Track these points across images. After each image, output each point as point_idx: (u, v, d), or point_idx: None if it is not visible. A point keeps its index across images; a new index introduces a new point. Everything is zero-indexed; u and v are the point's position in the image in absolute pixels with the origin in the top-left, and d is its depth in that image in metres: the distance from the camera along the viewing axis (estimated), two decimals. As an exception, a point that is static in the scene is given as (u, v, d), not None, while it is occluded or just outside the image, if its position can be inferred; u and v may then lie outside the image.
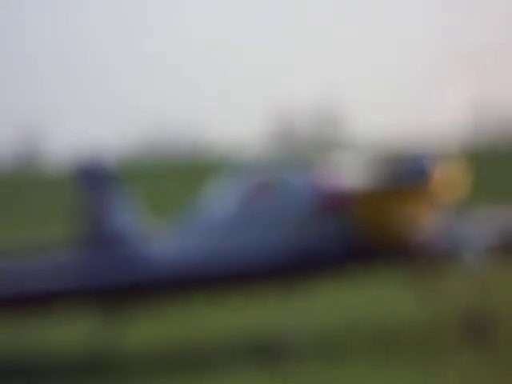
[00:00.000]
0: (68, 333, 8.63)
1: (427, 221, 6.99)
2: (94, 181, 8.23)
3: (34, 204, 28.23)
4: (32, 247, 8.70)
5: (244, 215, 7.42)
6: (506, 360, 5.72)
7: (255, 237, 7.17)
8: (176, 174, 31.54)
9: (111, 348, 7.36)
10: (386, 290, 8.86)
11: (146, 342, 8.46)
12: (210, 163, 28.07)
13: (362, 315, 8.97)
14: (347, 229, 6.99)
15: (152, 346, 8.28)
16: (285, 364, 6.27)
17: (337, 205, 7.09)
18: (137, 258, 7.62)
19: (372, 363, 6.19)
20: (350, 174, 7.35)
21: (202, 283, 7.13)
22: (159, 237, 8.04)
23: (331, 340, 7.89)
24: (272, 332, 6.95)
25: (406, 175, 6.87)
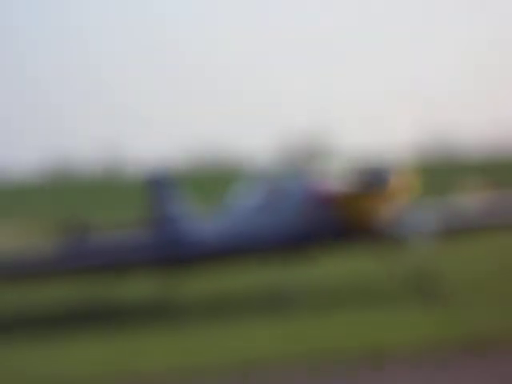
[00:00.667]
0: (142, 288, 11.73)
1: (387, 213, 9.86)
2: (159, 185, 11.49)
3: (117, 203, 32.20)
4: (119, 227, 12.09)
5: (262, 209, 10.36)
6: (444, 310, 8.45)
7: (270, 223, 10.13)
8: (214, 179, 35.97)
9: (172, 298, 10.49)
10: (360, 259, 11.55)
11: (195, 294, 11.41)
12: (235, 171, 32.07)
13: (344, 277, 11.84)
14: (333, 218, 9.96)
15: (199, 298, 11.49)
16: (290, 310, 9.16)
17: (325, 202, 10.02)
18: (190, 236, 10.72)
19: (351, 309, 9.04)
20: (335, 180, 10.28)
21: (234, 253, 10.09)
22: (205, 221, 11.23)
23: (322, 294, 10.84)
24: (282, 288, 9.68)
25: (372, 183, 9.71)
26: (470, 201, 11.70)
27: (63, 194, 40.31)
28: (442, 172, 31.52)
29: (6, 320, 11.06)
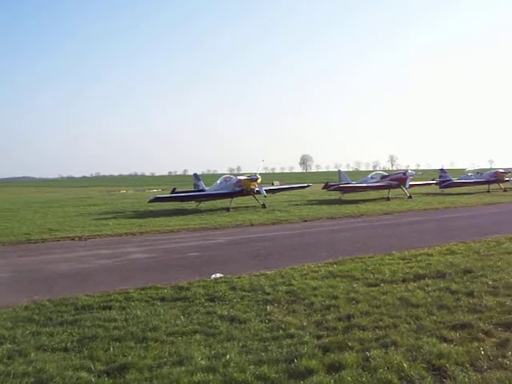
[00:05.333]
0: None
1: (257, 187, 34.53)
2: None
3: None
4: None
5: (222, 185, 35.87)
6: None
7: (223, 189, 35.49)
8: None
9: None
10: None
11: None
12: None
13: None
14: (240, 186, 34.67)
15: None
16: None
17: (239, 181, 34.76)
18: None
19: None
20: (243, 176, 35.24)
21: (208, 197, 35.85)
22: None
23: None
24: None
25: (252, 177, 34.47)
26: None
27: None
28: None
29: None
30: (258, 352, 6.87)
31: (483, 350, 6.53)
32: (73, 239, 21.38)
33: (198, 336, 7.67)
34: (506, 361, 6.21)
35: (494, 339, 6.99)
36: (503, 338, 7.01)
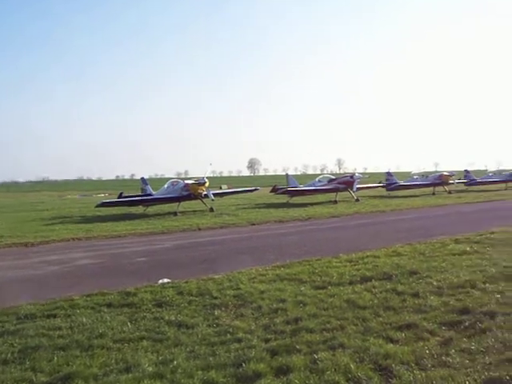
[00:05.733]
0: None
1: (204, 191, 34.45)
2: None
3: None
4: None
5: (169, 189, 35.69)
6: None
7: (171, 193, 35.28)
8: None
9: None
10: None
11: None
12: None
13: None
14: (188, 190, 34.47)
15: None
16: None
17: (187, 185, 34.57)
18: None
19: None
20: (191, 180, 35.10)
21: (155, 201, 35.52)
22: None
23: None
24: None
25: (199, 181, 34.34)
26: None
27: None
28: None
29: None
30: (206, 357, 6.84)
31: (428, 349, 6.69)
32: (26, 245, 20.99)
33: (145, 342, 7.57)
34: (449, 359, 6.36)
35: (438, 338, 7.16)
36: (447, 336, 7.19)
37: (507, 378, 5.62)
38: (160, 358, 6.89)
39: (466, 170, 61.94)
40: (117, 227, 26.20)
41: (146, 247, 19.25)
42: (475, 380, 5.70)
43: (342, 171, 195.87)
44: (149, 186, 39.84)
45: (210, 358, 6.76)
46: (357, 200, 40.82)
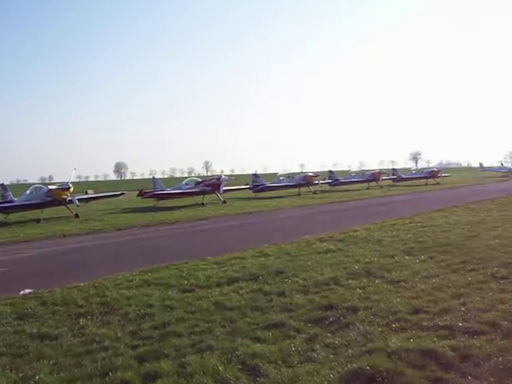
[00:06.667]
0: None
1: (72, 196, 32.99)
2: None
3: None
4: None
5: (32, 195, 33.79)
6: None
7: (34, 199, 33.38)
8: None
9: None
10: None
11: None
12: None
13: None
14: (51, 196, 32.88)
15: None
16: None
17: (49, 191, 32.92)
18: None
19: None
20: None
21: (17, 208, 33.34)
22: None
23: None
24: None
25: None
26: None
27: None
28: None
29: None
30: (71, 368, 6.53)
31: (294, 347, 6.81)
32: None
33: (3, 359, 7.05)
34: (314, 354, 6.51)
35: (303, 335, 7.33)
36: (312, 333, 7.37)
37: (367, 367, 5.84)
38: (20, 374, 6.45)
39: (330, 171, 64.99)
40: (-29, 237, 24.32)
41: (7, 257, 18.08)
42: (338, 372, 5.87)
43: (209, 174, 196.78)
44: (9, 193, 37.56)
45: (75, 370, 6.46)
46: (224, 202, 41.21)
